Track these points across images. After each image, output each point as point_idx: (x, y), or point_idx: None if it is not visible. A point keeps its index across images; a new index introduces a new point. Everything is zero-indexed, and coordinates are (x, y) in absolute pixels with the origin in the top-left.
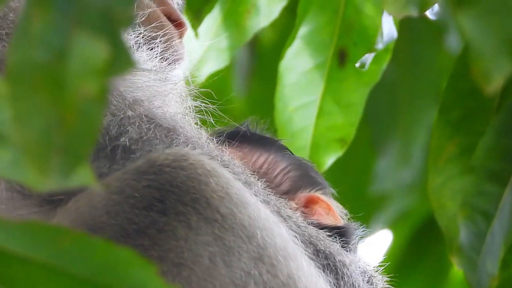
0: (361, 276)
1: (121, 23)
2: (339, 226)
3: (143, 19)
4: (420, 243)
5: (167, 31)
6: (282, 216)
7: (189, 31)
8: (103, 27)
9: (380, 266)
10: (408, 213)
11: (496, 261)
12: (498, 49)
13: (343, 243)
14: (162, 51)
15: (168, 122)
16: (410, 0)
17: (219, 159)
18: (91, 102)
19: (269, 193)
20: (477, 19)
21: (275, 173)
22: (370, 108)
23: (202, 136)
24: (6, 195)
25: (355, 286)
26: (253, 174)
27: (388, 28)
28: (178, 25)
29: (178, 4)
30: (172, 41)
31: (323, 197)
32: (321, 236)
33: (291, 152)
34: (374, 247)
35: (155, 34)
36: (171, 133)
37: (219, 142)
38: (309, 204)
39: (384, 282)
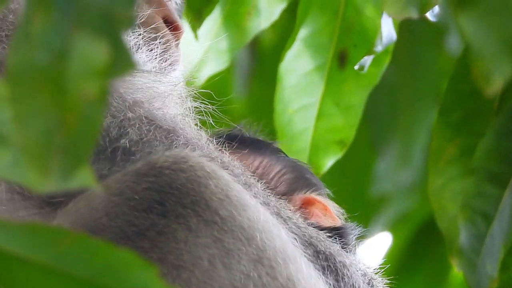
0: (362, 277)
1: (122, 25)
2: (336, 227)
3: (142, 20)
4: (420, 245)
5: (163, 34)
6: (282, 217)
7: (189, 32)
8: (103, 29)
9: (380, 268)
10: (408, 215)
11: (496, 263)
12: (499, 50)
13: (342, 243)
14: (161, 52)
15: (168, 123)
16: (410, 1)
17: (219, 161)
18: (91, 104)
19: (269, 194)
20: (477, 20)
21: (270, 176)
22: (370, 110)
23: (202, 137)
24: (6, 196)
25: (356, 287)
26: (252, 175)
27: (388, 30)
28: (174, 28)
29: (176, 3)
30: (168, 44)
31: (319, 198)
32: (321, 237)
33: (286, 155)
34: (374, 249)
35: (154, 35)
36: (171, 134)
37: (218, 144)
38: (305, 205)
39: (384, 284)
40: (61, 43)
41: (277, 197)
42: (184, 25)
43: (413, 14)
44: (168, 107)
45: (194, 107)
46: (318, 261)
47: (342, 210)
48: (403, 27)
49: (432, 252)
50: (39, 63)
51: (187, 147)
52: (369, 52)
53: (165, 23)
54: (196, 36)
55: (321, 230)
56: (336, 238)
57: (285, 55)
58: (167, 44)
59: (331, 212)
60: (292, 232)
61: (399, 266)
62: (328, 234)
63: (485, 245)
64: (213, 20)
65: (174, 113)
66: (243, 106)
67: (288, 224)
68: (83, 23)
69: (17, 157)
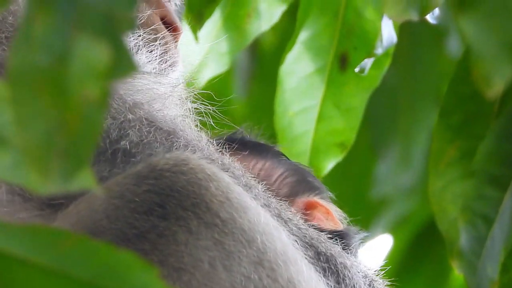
0: (363, 279)
1: (123, 27)
2: (338, 230)
3: (141, 21)
4: (420, 247)
5: (162, 35)
6: (283, 219)
7: (189, 34)
8: (104, 30)
9: (381, 270)
10: (408, 217)
11: (496, 265)
12: (499, 53)
13: (344, 247)
14: (160, 54)
15: (168, 125)
16: (411, 4)
17: (219, 162)
18: (92, 105)
19: (269, 196)
20: (478, 23)
21: (273, 179)
22: (370, 113)
23: (202, 138)
24: (7, 198)
25: None
26: (253, 177)
27: (388, 32)
28: (173, 29)
29: (176, 5)
30: (168, 45)
31: (321, 201)
32: (322, 239)
33: (287, 158)
34: (375, 251)
35: (154, 36)
36: (171, 136)
37: (219, 146)
38: (307, 209)
39: (385, 286)
40: (62, 45)
41: (279, 200)
42: (184, 27)
43: (413, 17)
44: (168, 108)
45: (194, 109)
46: (319, 262)
47: (344, 214)
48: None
49: (432, 254)
50: (40, 65)
51: (187, 148)
52: (370, 54)
53: (163, 24)
54: (196, 38)
55: (323, 233)
56: (338, 242)
57: (286, 58)
58: (167, 46)
59: (333, 216)
60: (293, 234)
61: (400, 268)
62: (329, 237)
63: (485, 248)
64: (213, 22)
65: (174, 115)
66: (243, 108)
67: (288, 226)
68: (84, 25)
69: (17, 159)
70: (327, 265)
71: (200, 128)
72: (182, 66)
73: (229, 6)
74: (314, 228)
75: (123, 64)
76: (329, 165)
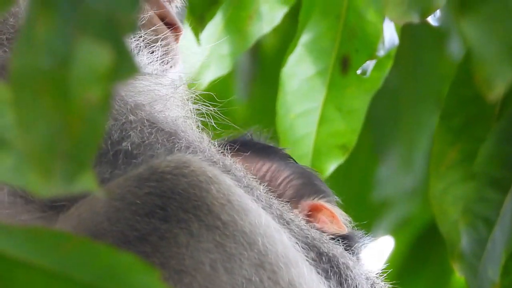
0: (365, 281)
1: (125, 29)
2: (343, 234)
3: (142, 22)
4: (422, 249)
5: (163, 36)
6: (285, 220)
7: (191, 36)
8: (106, 33)
9: (382, 272)
10: (410, 219)
11: (497, 268)
12: (501, 55)
13: (347, 249)
14: (161, 55)
15: (169, 126)
16: (412, 6)
17: (221, 164)
18: (94, 108)
19: (271, 197)
20: (479, 25)
21: (278, 181)
22: (372, 115)
23: (203, 140)
24: (9, 200)
25: None
26: (255, 178)
27: (390, 34)
28: (174, 29)
29: (177, 7)
30: (169, 45)
31: (326, 205)
32: (324, 239)
33: (295, 161)
34: (376, 253)
35: (155, 37)
36: (172, 137)
37: (223, 149)
38: (312, 212)
39: None
40: (64, 47)
41: (284, 202)
42: (186, 29)
43: (415, 19)
44: (170, 110)
45: (196, 110)
46: (321, 262)
47: (349, 218)
48: (405, 31)
49: (433, 256)
50: (41, 67)
51: (189, 149)
52: (371, 56)
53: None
54: (198, 40)
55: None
56: (341, 244)
57: (287, 60)
58: (168, 47)
59: (338, 219)
60: (295, 234)
61: (401, 270)
62: (333, 239)
63: (486, 250)
64: (215, 25)
65: (175, 116)
66: (244, 110)
67: (290, 227)
68: (86, 27)
69: (19, 161)
70: (329, 266)
71: (202, 129)
72: (183, 67)
73: (231, 9)
74: (317, 230)
75: (125, 67)
76: (330, 167)
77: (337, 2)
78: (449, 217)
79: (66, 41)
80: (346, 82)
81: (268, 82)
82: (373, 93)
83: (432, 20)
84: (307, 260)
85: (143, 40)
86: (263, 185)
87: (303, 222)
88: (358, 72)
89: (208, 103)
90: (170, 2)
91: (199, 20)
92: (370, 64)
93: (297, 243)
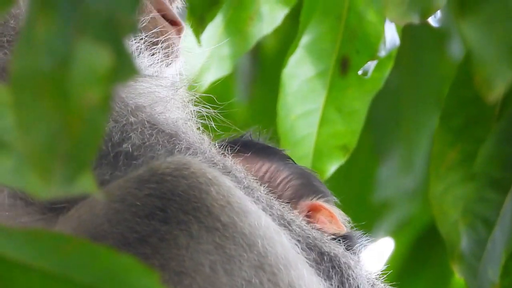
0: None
1: (125, 30)
2: (342, 234)
3: (143, 24)
4: (422, 250)
5: (164, 30)
6: (285, 220)
7: (192, 38)
8: (106, 34)
9: (382, 273)
10: (410, 220)
11: (497, 268)
12: (500, 56)
13: (347, 249)
14: (162, 56)
15: (170, 128)
16: (412, 7)
17: (221, 165)
18: (94, 109)
19: (272, 197)
20: (479, 26)
21: (277, 182)
22: (372, 116)
23: (204, 141)
24: (9, 202)
25: None
26: (255, 179)
27: (391, 35)
28: (174, 24)
29: (177, 8)
30: (170, 40)
31: (325, 205)
32: (325, 239)
33: (294, 162)
34: (376, 254)
35: (156, 39)
36: (173, 138)
37: (223, 150)
38: (311, 212)
39: None
40: (64, 48)
41: (283, 202)
42: (187, 30)
43: (415, 20)
44: (170, 111)
45: (196, 112)
46: (323, 262)
47: (348, 218)
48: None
49: (433, 257)
50: (42, 69)
51: (189, 151)
52: (372, 57)
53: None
54: (198, 42)
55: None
56: (341, 244)
57: (288, 61)
58: (169, 49)
59: (337, 220)
60: (296, 235)
61: (401, 271)
62: (333, 239)
63: (486, 251)
64: (215, 26)
65: (176, 118)
66: (245, 111)
67: (291, 227)
68: (86, 28)
69: (19, 163)
70: (330, 265)
71: (202, 131)
72: (184, 69)
73: (231, 10)
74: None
75: (125, 68)
76: (331, 168)
77: (338, 3)
78: (449, 217)
79: (66, 42)
80: (346, 83)
81: (268, 84)
82: (373, 94)
83: (432, 21)
84: (307, 261)
85: (144, 42)
86: (263, 186)
87: (304, 222)
88: (359, 73)
89: (209, 105)
90: (171, 3)
91: (199, 22)
92: (370, 65)
93: (297, 244)
